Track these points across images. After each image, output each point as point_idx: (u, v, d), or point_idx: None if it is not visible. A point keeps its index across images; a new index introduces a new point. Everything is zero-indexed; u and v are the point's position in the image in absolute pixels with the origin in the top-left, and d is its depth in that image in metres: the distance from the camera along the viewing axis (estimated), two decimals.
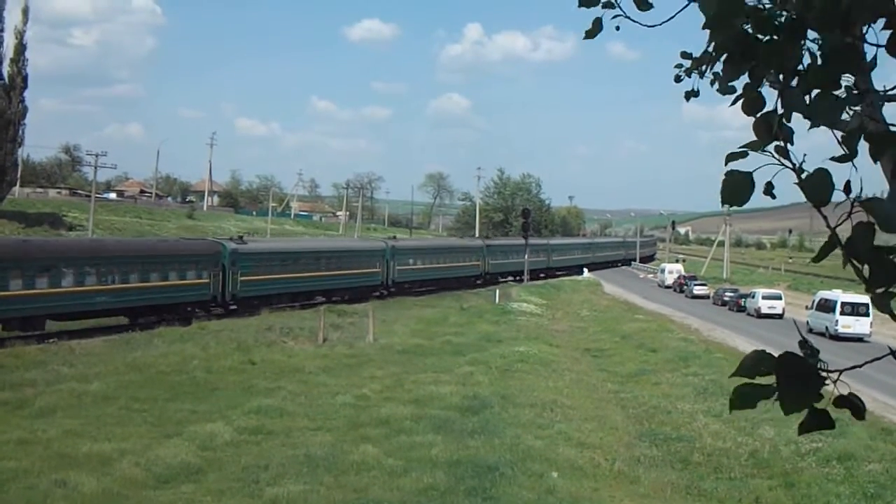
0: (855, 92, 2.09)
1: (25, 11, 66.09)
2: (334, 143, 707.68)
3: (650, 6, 2.63)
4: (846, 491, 14.57)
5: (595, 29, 2.66)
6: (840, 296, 42.63)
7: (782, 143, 1.98)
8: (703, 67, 2.86)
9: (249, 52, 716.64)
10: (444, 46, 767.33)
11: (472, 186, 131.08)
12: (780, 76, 2.00)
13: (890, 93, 2.15)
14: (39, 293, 30.59)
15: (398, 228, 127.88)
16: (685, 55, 2.99)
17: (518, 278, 68.21)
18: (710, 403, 22.08)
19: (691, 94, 3.10)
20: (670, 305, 58.63)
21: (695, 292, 68.92)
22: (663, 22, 2.72)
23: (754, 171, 2.00)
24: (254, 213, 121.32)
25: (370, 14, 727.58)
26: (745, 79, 2.09)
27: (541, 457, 15.92)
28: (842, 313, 41.10)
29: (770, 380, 1.92)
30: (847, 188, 1.91)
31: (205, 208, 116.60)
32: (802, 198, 1.92)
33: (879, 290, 1.87)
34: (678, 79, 3.07)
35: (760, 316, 51.47)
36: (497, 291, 53.72)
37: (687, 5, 2.44)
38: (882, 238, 1.86)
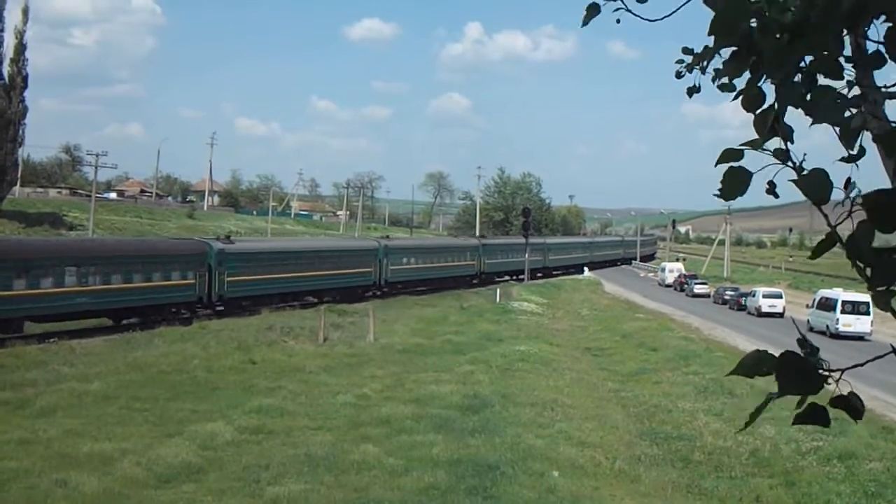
0: (856, 88, 2.09)
1: (25, 11, 66.21)
2: (334, 142, 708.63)
3: None
4: (847, 489, 14.55)
5: (590, 14, 2.61)
6: (841, 294, 42.66)
7: (782, 142, 1.98)
8: (704, 63, 2.85)
9: (249, 51, 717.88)
10: (445, 46, 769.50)
11: (473, 186, 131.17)
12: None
13: (891, 90, 2.14)
14: (17, 294, 29.78)
15: (399, 228, 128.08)
16: (686, 51, 2.99)
17: (517, 278, 68.11)
18: (710, 402, 22.08)
19: (693, 90, 3.10)
20: (671, 304, 58.65)
21: (695, 291, 68.97)
22: (665, 16, 2.71)
23: (756, 171, 2.00)
24: (254, 212, 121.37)
25: (370, 13, 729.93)
26: (746, 75, 2.09)
27: (541, 456, 15.92)
28: (842, 312, 41.11)
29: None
30: (847, 186, 1.90)
31: (205, 208, 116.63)
32: (803, 196, 1.92)
33: (881, 289, 1.86)
34: (679, 75, 3.06)
35: (761, 315, 51.47)
36: (498, 290, 53.63)
37: (689, 0, 2.43)
38: (882, 238, 1.86)
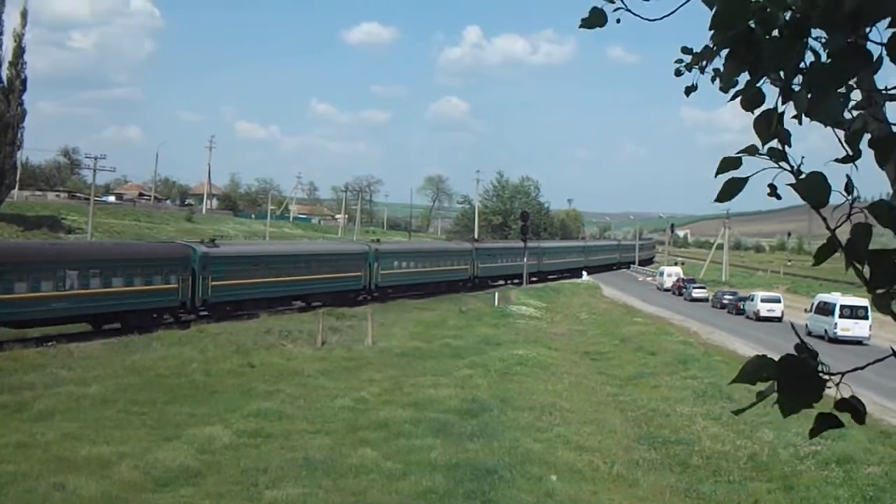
0: (857, 91, 2.08)
1: (24, 14, 66.04)
2: (333, 146, 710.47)
3: None
4: (845, 494, 14.56)
5: (594, 19, 2.58)
6: (839, 299, 42.67)
7: (779, 146, 1.97)
8: (704, 63, 2.85)
9: (249, 55, 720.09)
10: (443, 50, 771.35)
11: (471, 189, 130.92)
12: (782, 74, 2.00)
13: (891, 92, 2.14)
14: None
15: (397, 232, 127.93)
16: (685, 50, 3.00)
17: (512, 282, 67.90)
18: (709, 406, 22.07)
19: (691, 89, 3.11)
20: (669, 308, 58.66)
21: (694, 295, 68.95)
22: (664, 16, 2.70)
23: (753, 174, 2.00)
24: (253, 216, 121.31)
25: (369, 17, 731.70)
26: (745, 75, 2.08)
27: (540, 460, 15.91)
28: (841, 316, 41.15)
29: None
30: (847, 189, 1.90)
31: (203, 211, 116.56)
32: (801, 200, 1.91)
33: (880, 291, 1.86)
34: (678, 73, 3.08)
35: (759, 319, 51.47)
36: (496, 294, 53.56)
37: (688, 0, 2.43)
38: (882, 240, 1.85)
